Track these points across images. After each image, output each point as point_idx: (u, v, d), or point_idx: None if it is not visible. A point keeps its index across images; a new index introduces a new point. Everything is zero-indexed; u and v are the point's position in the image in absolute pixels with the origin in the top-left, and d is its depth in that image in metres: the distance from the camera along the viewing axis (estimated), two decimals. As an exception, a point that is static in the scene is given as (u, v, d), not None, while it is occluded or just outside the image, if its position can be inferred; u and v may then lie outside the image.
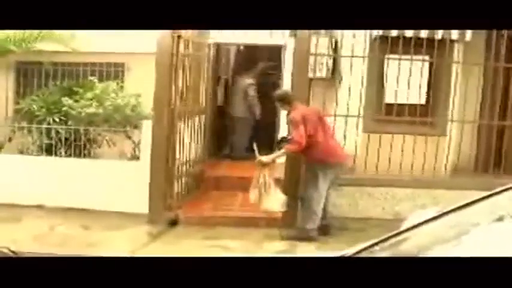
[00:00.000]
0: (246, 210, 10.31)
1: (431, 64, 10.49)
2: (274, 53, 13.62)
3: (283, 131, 11.53)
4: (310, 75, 10.27)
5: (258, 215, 9.86)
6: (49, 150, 11.08)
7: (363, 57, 10.19)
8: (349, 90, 10.07)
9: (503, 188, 3.26)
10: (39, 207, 10.31)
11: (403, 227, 3.36)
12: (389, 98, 10.44)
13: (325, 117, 9.29)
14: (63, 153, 11.08)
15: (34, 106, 11.52)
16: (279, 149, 9.37)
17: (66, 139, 11.04)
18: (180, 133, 10.28)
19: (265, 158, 9.05)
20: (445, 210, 3.26)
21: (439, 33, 10.07)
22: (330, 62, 11.15)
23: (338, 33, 10.61)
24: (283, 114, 11.38)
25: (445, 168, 10.50)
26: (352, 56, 10.04)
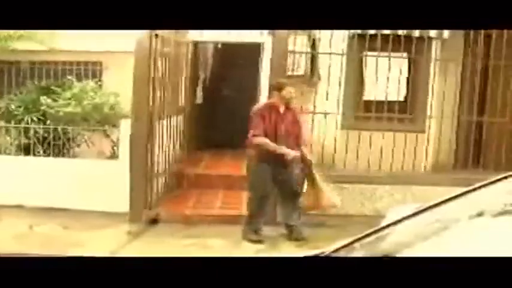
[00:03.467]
0: (226, 208, 10.34)
1: (409, 61, 10.54)
2: (253, 51, 13.61)
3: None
4: (289, 72, 10.27)
5: (238, 213, 9.87)
6: (27, 150, 11.02)
7: (341, 54, 10.21)
8: (328, 88, 10.09)
9: (482, 183, 3.27)
10: (19, 207, 10.23)
11: (383, 223, 3.36)
12: (368, 95, 10.48)
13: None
14: (41, 152, 11.02)
15: (12, 105, 11.44)
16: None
17: (44, 138, 10.99)
18: (159, 132, 10.27)
19: (294, 153, 8.87)
20: (424, 207, 3.26)
21: (417, 31, 10.12)
22: (308, 59, 11.17)
23: (316, 31, 10.62)
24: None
25: (424, 165, 10.56)
26: (330, 54, 10.06)
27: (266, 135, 8.72)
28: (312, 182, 8.80)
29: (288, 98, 8.86)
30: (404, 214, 3.28)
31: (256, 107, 9.02)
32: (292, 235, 8.92)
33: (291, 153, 8.72)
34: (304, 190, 8.87)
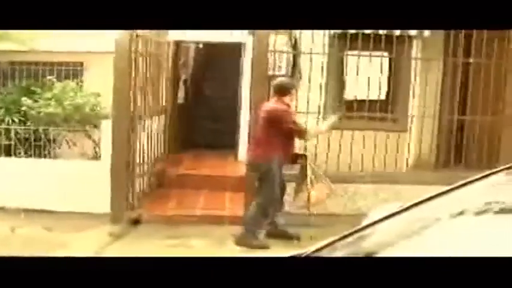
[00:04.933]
0: (209, 208, 10.33)
1: (390, 60, 10.57)
2: (234, 50, 13.62)
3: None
4: (270, 72, 10.27)
5: (221, 213, 9.88)
6: (8, 151, 10.96)
7: (323, 53, 10.22)
8: (309, 87, 10.09)
9: (464, 182, 3.28)
10: (0, 209, 10.17)
11: (365, 222, 3.36)
12: (349, 94, 10.50)
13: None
14: (22, 153, 10.96)
15: (-8, 106, 11.39)
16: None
17: (25, 139, 10.93)
18: (140, 132, 10.24)
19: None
20: (406, 205, 3.27)
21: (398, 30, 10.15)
22: (290, 59, 11.18)
23: (297, 30, 10.62)
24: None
25: (407, 164, 10.59)
26: (312, 53, 10.06)
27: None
28: (314, 176, 8.87)
29: (293, 97, 9.03)
30: (386, 214, 3.28)
31: (282, 108, 8.76)
32: (288, 234, 8.90)
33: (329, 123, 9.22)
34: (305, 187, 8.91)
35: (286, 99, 8.78)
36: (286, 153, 8.74)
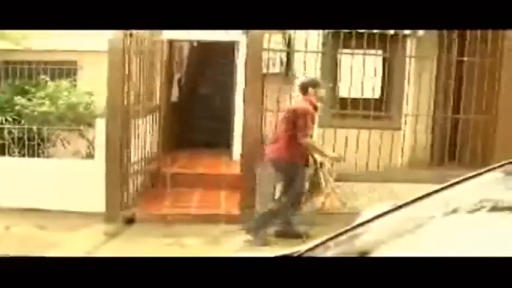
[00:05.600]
0: (204, 207, 10.33)
1: (384, 59, 10.57)
2: (228, 49, 13.61)
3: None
4: (264, 70, 10.26)
5: (216, 212, 9.88)
6: (2, 150, 10.93)
7: (317, 52, 10.22)
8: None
9: (457, 180, 3.28)
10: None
11: (358, 221, 3.36)
12: (343, 93, 10.50)
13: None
14: (16, 153, 10.94)
15: (-14, 106, 11.36)
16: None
17: (19, 139, 10.90)
18: (134, 131, 10.23)
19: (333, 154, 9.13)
20: (400, 204, 3.27)
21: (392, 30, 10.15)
22: (284, 57, 11.18)
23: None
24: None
25: (401, 162, 10.59)
26: (306, 51, 10.06)
27: None
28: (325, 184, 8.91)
29: (321, 97, 8.96)
30: (380, 212, 3.28)
31: (304, 106, 8.76)
32: (297, 233, 8.90)
33: (332, 155, 9.05)
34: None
35: (311, 97, 8.80)
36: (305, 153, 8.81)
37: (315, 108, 8.81)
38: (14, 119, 11.08)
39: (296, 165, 8.70)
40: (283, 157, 8.74)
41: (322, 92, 8.92)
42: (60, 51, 12.20)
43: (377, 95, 10.62)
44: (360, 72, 10.14)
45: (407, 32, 10.37)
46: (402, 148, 10.54)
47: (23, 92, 11.44)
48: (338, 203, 8.97)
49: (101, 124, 9.99)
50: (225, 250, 8.41)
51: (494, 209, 3.01)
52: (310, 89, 8.80)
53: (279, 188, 9.01)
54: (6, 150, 10.91)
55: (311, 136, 8.81)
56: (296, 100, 9.21)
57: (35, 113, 10.83)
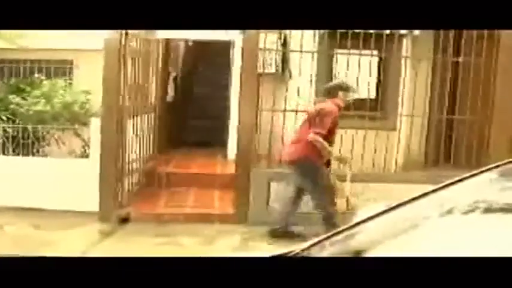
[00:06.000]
0: (198, 206, 10.32)
1: (380, 59, 10.57)
2: (223, 48, 13.60)
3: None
4: (259, 70, 10.26)
5: (210, 212, 9.88)
6: (-4, 149, 10.92)
7: (312, 52, 10.22)
8: (299, 85, 10.09)
9: (452, 180, 3.29)
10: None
11: (353, 221, 3.37)
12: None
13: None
14: (11, 151, 10.92)
15: (-19, 105, 11.33)
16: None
17: (14, 137, 10.87)
18: (129, 130, 10.22)
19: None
20: (395, 204, 3.27)
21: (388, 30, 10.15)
22: (279, 57, 11.18)
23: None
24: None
25: (396, 163, 10.59)
26: (301, 51, 10.05)
27: (328, 134, 8.70)
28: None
29: (349, 100, 8.99)
30: (375, 212, 3.28)
31: (331, 107, 8.76)
32: (292, 233, 8.92)
33: (337, 155, 9.18)
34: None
35: (338, 101, 8.82)
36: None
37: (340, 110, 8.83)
38: (8, 118, 11.05)
39: (316, 165, 8.77)
40: (304, 157, 8.76)
41: (350, 95, 8.92)
42: (56, 50, 12.19)
43: (372, 95, 10.62)
44: (356, 72, 10.13)
45: (403, 31, 10.37)
46: (397, 149, 10.54)
47: (18, 91, 11.42)
48: (357, 202, 8.96)
49: (96, 123, 9.98)
50: (219, 249, 8.41)
51: (488, 209, 3.02)
52: (340, 93, 8.82)
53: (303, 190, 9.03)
54: (1, 149, 10.88)
55: (330, 141, 8.81)
56: (321, 102, 9.10)
57: (30, 112, 10.81)
